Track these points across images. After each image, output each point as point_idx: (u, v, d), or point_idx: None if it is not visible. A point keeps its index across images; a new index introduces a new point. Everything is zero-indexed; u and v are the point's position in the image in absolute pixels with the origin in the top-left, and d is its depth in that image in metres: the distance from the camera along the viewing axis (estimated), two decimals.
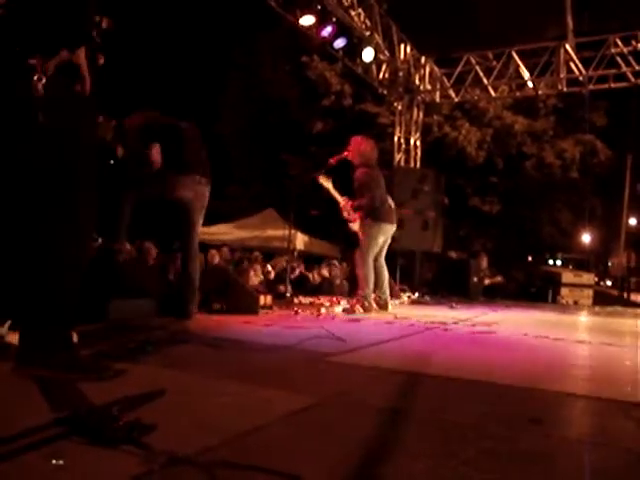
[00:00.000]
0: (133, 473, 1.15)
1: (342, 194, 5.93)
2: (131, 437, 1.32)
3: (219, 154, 22.65)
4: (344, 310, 5.62)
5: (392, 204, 6.03)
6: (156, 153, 3.89)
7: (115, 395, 1.70)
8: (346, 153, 5.83)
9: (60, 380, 1.91)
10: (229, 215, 17.11)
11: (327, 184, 5.90)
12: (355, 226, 5.89)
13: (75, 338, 2.28)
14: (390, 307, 6.02)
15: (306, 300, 6.52)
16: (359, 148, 5.83)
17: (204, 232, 15.61)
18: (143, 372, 2.15)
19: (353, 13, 9.17)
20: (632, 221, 28.47)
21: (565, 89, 11.09)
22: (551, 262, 21.27)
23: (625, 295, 22.52)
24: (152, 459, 1.22)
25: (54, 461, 1.19)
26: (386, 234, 5.85)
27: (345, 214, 5.88)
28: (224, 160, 22.50)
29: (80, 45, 2.01)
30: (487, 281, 11.74)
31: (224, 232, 15.00)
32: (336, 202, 5.94)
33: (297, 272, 9.74)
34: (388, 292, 5.98)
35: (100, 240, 5.50)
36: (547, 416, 1.86)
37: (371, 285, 5.71)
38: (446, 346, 3.55)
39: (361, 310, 5.58)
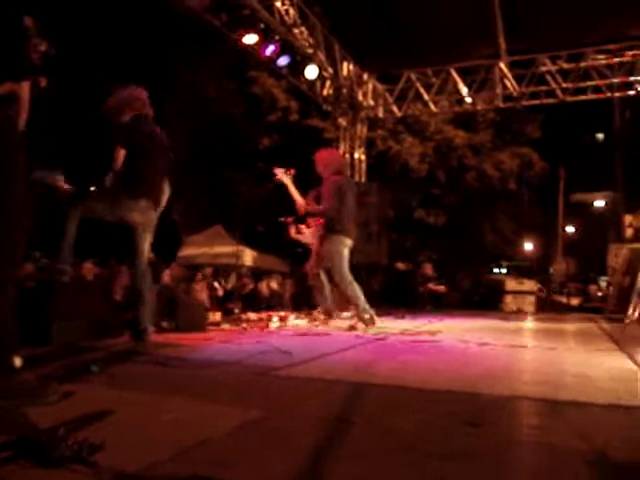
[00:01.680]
0: None
1: (303, 195, 5.76)
2: (79, 456, 1.35)
3: None
4: (350, 328, 5.46)
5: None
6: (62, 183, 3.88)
7: (62, 417, 1.72)
8: (317, 167, 5.71)
9: (5, 406, 1.89)
10: (175, 232, 16.92)
11: (286, 180, 5.70)
12: (307, 237, 5.81)
13: (19, 362, 2.26)
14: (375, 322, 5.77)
15: (255, 316, 6.55)
16: (326, 159, 5.77)
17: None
18: (90, 393, 2.16)
19: (296, 31, 9.33)
20: (570, 229, 29.79)
21: (501, 104, 11.61)
22: (496, 270, 21.97)
23: (565, 300, 23.49)
24: (100, 477, 1.26)
25: None
26: (348, 247, 5.70)
27: (295, 221, 5.80)
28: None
29: (24, 77, 2.03)
30: (433, 287, 11.97)
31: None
32: (293, 200, 5.75)
33: (248, 288, 9.74)
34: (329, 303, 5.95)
35: (43, 260, 5.37)
36: (482, 418, 1.98)
37: (362, 298, 5.56)
38: (390, 356, 3.67)
39: (362, 326, 5.47)
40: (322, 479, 1.32)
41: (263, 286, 10.09)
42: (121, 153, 3.84)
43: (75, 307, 3.89)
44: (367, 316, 5.52)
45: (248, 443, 1.61)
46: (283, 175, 5.72)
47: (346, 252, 5.66)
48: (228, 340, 4.14)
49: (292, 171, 5.73)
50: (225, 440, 1.62)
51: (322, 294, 5.86)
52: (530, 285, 19.33)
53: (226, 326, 5.37)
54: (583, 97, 10.73)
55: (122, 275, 5.15)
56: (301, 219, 5.97)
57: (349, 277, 5.56)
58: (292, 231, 5.95)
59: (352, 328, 5.45)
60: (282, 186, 5.75)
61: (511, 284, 19.01)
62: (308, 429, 1.76)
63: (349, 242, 5.70)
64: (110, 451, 1.43)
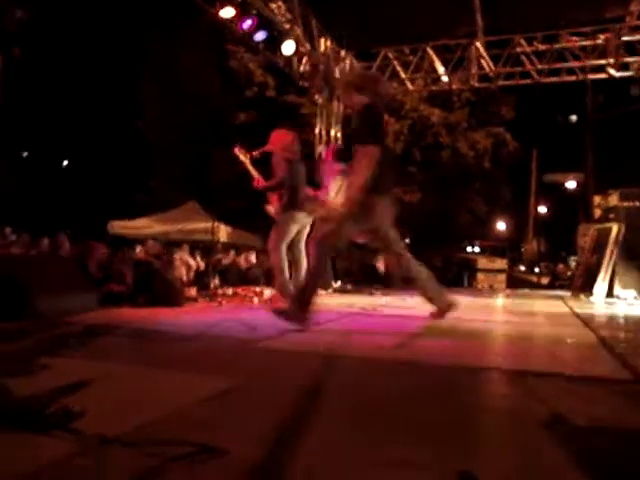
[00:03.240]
0: (65, 454, 1.23)
1: (259, 172, 5.94)
2: (61, 423, 1.39)
3: (139, 146, 22.04)
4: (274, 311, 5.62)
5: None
6: None
7: (42, 387, 1.75)
8: (269, 146, 5.90)
9: None
10: (151, 209, 16.74)
11: (244, 158, 5.92)
12: (271, 209, 5.96)
13: None
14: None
15: (230, 291, 6.59)
16: (280, 140, 5.93)
17: (126, 226, 15.22)
18: (68, 365, 2.18)
19: (273, 6, 9.21)
20: (542, 209, 30.29)
21: (477, 84, 11.67)
22: (469, 249, 22.34)
23: (535, 279, 24.03)
24: (83, 441, 1.30)
25: None
26: (299, 222, 5.81)
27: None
28: (144, 152, 21.94)
29: None
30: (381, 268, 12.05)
31: (146, 226, 14.69)
32: (251, 177, 5.94)
33: (228, 261, 9.78)
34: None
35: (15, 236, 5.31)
36: (451, 388, 2.07)
37: (285, 273, 5.70)
38: (366, 330, 3.75)
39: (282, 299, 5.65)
40: (297, 442, 1.38)
41: (241, 260, 10.13)
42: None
43: (49, 282, 3.87)
44: (286, 292, 5.60)
45: (227, 409, 1.66)
46: (241, 153, 5.93)
47: (294, 228, 5.76)
48: (204, 314, 4.18)
49: (255, 153, 5.89)
50: (204, 406, 1.67)
51: (295, 271, 5.91)
52: (501, 263, 19.80)
53: (202, 301, 5.40)
54: (557, 79, 10.85)
55: (96, 250, 5.13)
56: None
57: (282, 251, 5.67)
58: (266, 206, 6.05)
59: (273, 303, 5.58)
60: (255, 162, 5.89)
61: (483, 262, 19.45)
62: (285, 397, 1.82)
63: (301, 216, 5.79)
64: (90, 418, 1.47)
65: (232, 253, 10.75)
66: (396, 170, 4.10)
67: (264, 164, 5.97)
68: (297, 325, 3.42)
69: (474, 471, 1.23)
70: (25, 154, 25.63)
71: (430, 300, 4.09)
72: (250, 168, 5.92)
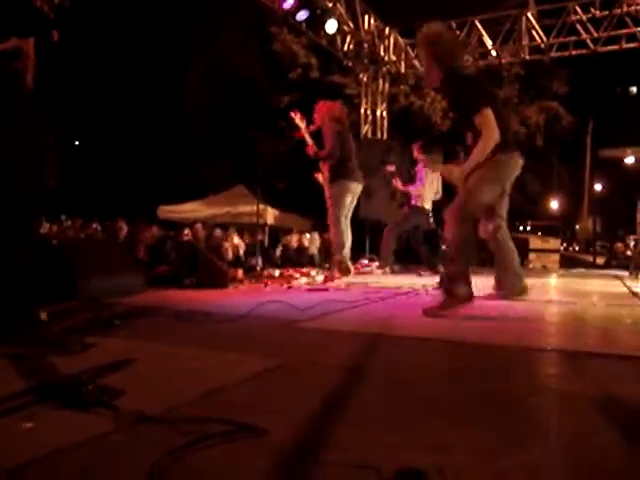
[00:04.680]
0: (103, 430, 1.23)
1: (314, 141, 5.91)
2: (101, 400, 1.39)
3: (185, 131, 22.38)
4: (325, 280, 5.66)
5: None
6: None
7: (85, 366, 1.76)
8: (317, 118, 5.79)
9: (30, 355, 1.95)
10: (199, 193, 17.02)
11: (300, 123, 5.87)
12: (320, 177, 5.92)
13: (44, 316, 2.32)
14: (351, 271, 5.95)
15: (277, 272, 6.61)
16: (328, 111, 5.82)
17: (175, 210, 15.54)
18: (111, 344, 2.21)
19: None
20: (597, 187, 29.17)
21: (528, 57, 11.23)
22: (521, 229, 21.76)
23: (591, 259, 23.21)
24: (121, 418, 1.30)
25: (27, 424, 1.26)
26: (353, 193, 5.78)
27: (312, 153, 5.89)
28: (191, 137, 22.26)
29: (31, 33, 2.00)
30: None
31: (195, 209, 14.95)
32: (305, 144, 5.90)
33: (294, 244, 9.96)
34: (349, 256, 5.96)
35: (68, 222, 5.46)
36: (501, 368, 1.99)
37: (346, 248, 5.68)
38: (406, 310, 3.67)
39: (338, 275, 5.61)
40: (334, 423, 1.35)
41: (292, 241, 10.22)
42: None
43: (99, 264, 3.96)
44: (343, 266, 5.65)
45: (266, 389, 1.64)
46: (299, 119, 5.88)
47: (348, 199, 5.73)
48: (249, 295, 4.19)
49: (309, 128, 5.84)
50: (243, 386, 1.65)
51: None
52: (555, 243, 19.18)
53: (248, 282, 5.43)
54: (616, 47, 10.30)
55: (144, 234, 5.22)
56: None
57: (342, 224, 5.64)
58: (316, 174, 6.02)
59: (328, 279, 5.60)
60: (300, 141, 5.85)
61: (535, 242, 18.88)
62: (325, 377, 1.78)
63: (354, 185, 5.76)
64: (131, 396, 1.47)
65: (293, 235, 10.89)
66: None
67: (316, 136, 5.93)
68: (458, 307, 3.28)
69: (516, 455, 1.16)
70: (77, 142, 26.43)
71: (499, 279, 3.96)
72: (305, 134, 5.87)
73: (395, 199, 9.95)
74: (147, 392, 1.56)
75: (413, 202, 7.46)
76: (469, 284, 3.39)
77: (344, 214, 5.70)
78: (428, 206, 7.53)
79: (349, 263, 5.76)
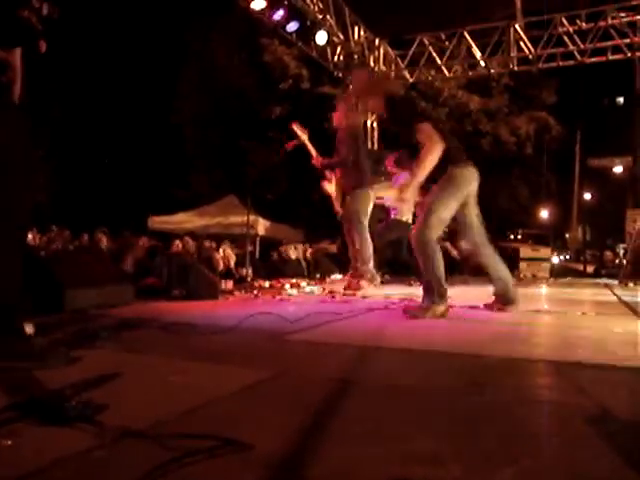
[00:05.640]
0: (86, 446, 1.20)
1: (318, 152, 5.78)
2: (84, 415, 1.37)
3: (177, 142, 22.37)
4: (345, 289, 5.52)
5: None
6: None
7: (70, 379, 1.74)
8: (335, 121, 5.66)
9: (14, 369, 1.92)
10: (190, 203, 16.98)
11: (301, 134, 5.73)
12: (329, 187, 5.77)
13: (30, 329, 2.29)
14: (378, 280, 5.87)
15: (267, 283, 6.58)
16: (346, 115, 5.65)
17: (166, 221, 15.48)
18: (98, 357, 2.18)
19: None
20: (587, 196, 29.39)
21: (516, 68, 11.35)
22: (512, 238, 21.83)
23: (580, 267, 23.33)
24: (105, 434, 1.28)
25: (7, 441, 1.23)
26: (372, 200, 5.60)
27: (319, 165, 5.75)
28: (182, 148, 22.25)
29: (17, 44, 1.96)
30: (454, 252, 11.89)
31: (186, 220, 14.92)
32: (309, 155, 5.79)
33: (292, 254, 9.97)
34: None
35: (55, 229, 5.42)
36: (488, 378, 1.98)
37: (371, 259, 5.54)
38: (396, 321, 3.65)
39: (365, 285, 5.47)
40: (323, 437, 1.33)
41: (289, 252, 10.22)
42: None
43: (86, 276, 3.92)
44: (370, 276, 5.57)
45: (254, 403, 1.62)
46: (300, 130, 5.77)
47: (369, 208, 5.57)
48: (239, 307, 4.16)
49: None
50: (232, 400, 1.63)
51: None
52: (545, 252, 19.25)
53: (238, 293, 5.40)
54: (602, 58, 10.43)
55: (133, 246, 5.18)
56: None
57: (367, 234, 5.51)
58: (323, 183, 5.91)
59: (354, 288, 5.50)
60: (292, 152, 5.78)
61: (526, 251, 18.94)
62: (314, 389, 1.76)
63: (372, 193, 5.59)
64: (116, 411, 1.45)
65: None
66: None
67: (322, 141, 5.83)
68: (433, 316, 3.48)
69: (506, 467, 1.15)
70: (69, 154, 26.31)
71: (495, 288, 3.99)
72: (308, 145, 5.74)
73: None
74: (133, 406, 1.54)
75: (392, 216, 7.29)
76: (444, 298, 3.65)
77: (366, 222, 5.54)
78: (406, 219, 7.30)
79: (374, 272, 5.64)
